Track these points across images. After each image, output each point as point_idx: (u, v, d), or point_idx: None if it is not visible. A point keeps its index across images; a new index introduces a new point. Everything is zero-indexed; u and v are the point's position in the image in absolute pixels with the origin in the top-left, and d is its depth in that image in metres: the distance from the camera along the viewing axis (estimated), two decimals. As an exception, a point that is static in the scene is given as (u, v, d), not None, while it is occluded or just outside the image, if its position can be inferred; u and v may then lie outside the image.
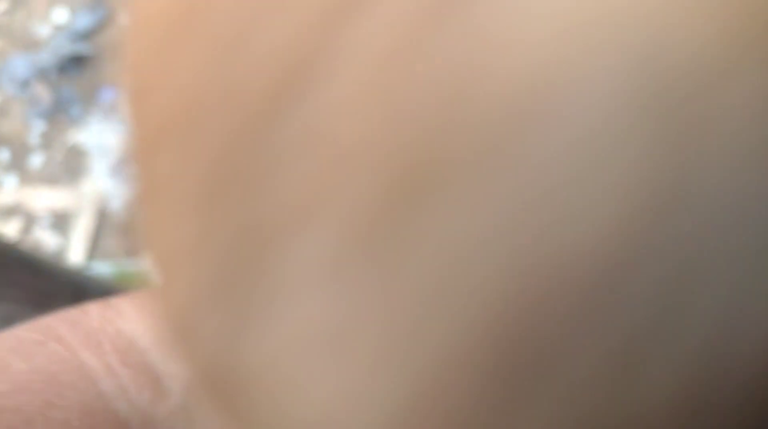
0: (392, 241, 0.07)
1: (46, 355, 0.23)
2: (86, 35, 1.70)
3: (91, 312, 0.25)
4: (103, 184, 1.45)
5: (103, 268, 1.37)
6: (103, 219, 1.49)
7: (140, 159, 0.10)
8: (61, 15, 1.76)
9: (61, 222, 1.51)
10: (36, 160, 1.58)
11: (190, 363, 0.10)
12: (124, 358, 0.23)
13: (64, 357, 0.23)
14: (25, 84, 1.67)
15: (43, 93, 1.65)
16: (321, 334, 0.08)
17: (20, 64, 1.68)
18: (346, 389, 0.08)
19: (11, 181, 1.58)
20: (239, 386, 0.09)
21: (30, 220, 1.53)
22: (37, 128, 1.61)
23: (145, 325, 0.24)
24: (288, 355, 0.08)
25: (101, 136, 1.43)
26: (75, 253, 1.46)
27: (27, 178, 1.58)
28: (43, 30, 1.75)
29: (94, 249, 1.47)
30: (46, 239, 1.52)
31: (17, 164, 1.59)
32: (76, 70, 1.66)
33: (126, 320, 0.25)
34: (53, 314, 0.25)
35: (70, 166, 1.57)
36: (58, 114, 1.63)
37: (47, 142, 1.60)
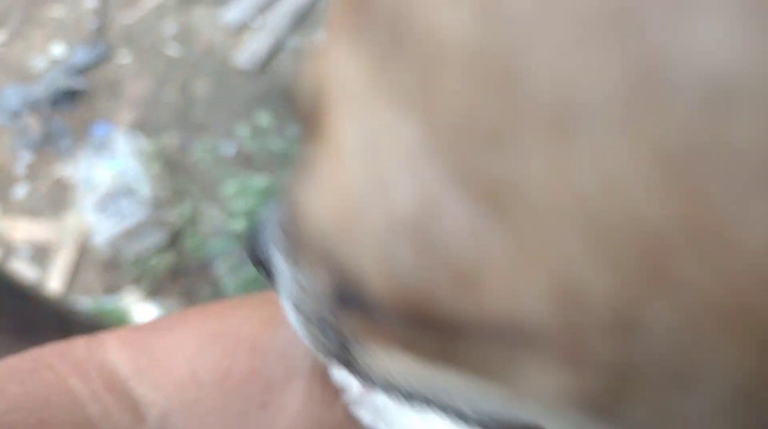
0: None
1: (38, 381, 0.24)
2: (82, 70, 1.71)
3: (78, 344, 0.26)
4: (86, 219, 1.43)
5: (82, 303, 1.35)
6: (83, 254, 1.48)
7: None
8: (58, 49, 1.79)
9: (40, 254, 1.49)
10: (20, 191, 1.58)
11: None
12: (107, 385, 0.25)
13: (55, 383, 0.24)
14: (16, 115, 1.67)
15: (33, 125, 1.65)
16: None
17: (12, 95, 1.68)
18: None
19: None
20: None
21: (9, 250, 1.51)
22: (24, 159, 1.61)
23: (125, 357, 0.26)
24: None
25: (89, 171, 1.42)
26: (53, 286, 1.44)
27: (9, 208, 1.57)
28: (39, 63, 1.77)
29: (73, 284, 1.45)
30: (24, 271, 1.49)
31: (0, 194, 1.59)
32: (68, 104, 1.67)
33: (109, 352, 0.26)
34: (43, 346, 0.26)
35: (54, 199, 1.56)
36: (47, 146, 1.63)
37: (33, 173, 1.60)
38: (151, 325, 0.28)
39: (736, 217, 0.08)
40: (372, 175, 0.12)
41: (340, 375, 0.27)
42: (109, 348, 0.26)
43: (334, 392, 0.27)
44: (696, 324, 0.09)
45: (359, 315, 0.14)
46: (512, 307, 0.11)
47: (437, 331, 0.12)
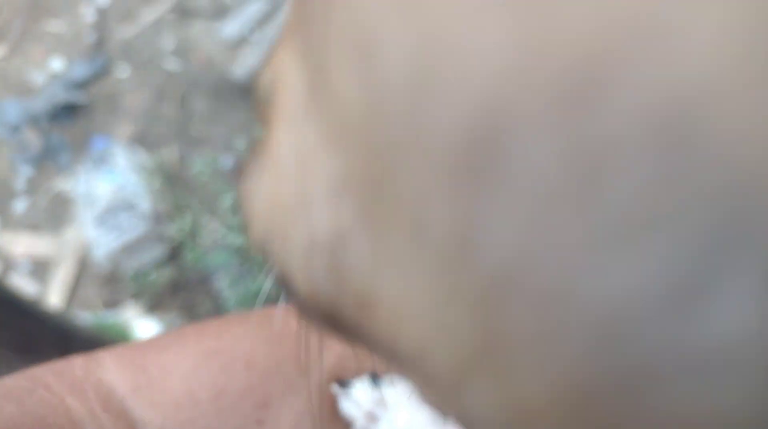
0: None
1: (36, 401, 0.24)
2: (81, 84, 1.72)
3: (76, 363, 0.27)
4: (86, 234, 1.44)
5: (82, 318, 1.35)
6: (83, 268, 1.48)
7: None
8: (57, 63, 1.79)
9: (40, 269, 1.50)
10: (20, 205, 1.58)
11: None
12: (105, 404, 0.25)
13: (52, 402, 0.24)
14: (15, 129, 1.67)
15: (32, 139, 1.66)
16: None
17: (12, 109, 1.69)
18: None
19: None
20: None
21: (8, 264, 1.51)
22: (23, 173, 1.62)
23: (123, 376, 0.26)
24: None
25: (88, 185, 1.42)
26: (53, 301, 1.44)
27: (9, 222, 1.57)
28: (38, 77, 1.78)
29: (73, 298, 1.45)
30: (24, 285, 1.49)
31: (0, 208, 1.59)
32: (68, 118, 1.67)
33: (106, 371, 0.26)
34: (40, 365, 0.26)
35: (54, 214, 1.56)
36: (46, 160, 1.63)
37: (33, 187, 1.60)
38: (149, 344, 0.29)
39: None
40: (300, 194, 0.13)
41: (346, 406, 0.28)
42: (106, 367, 0.26)
43: (332, 410, 0.27)
44: None
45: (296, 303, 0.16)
46: (397, 336, 0.12)
47: (345, 334, 0.15)
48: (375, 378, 0.29)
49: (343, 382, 0.29)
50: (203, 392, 0.26)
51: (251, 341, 0.27)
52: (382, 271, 0.11)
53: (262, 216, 0.15)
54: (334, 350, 0.28)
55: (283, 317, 0.29)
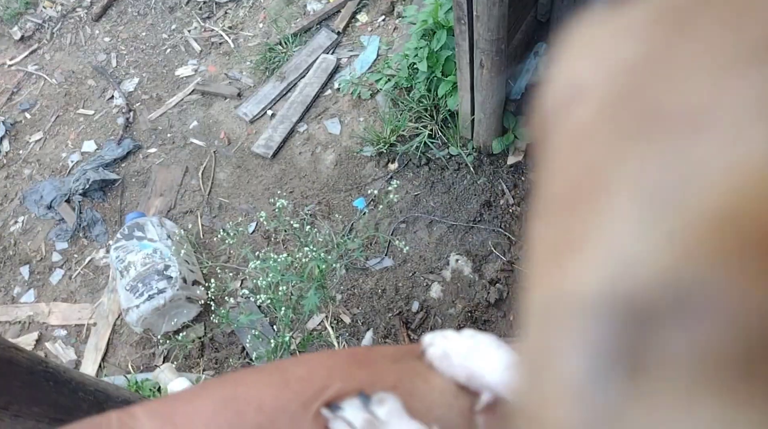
0: None
1: None
2: (112, 163, 1.81)
3: (111, 416, 0.31)
4: (119, 300, 1.46)
5: (116, 381, 1.37)
6: (116, 333, 1.51)
7: None
8: (89, 145, 1.90)
9: (75, 336, 1.54)
10: (55, 277, 1.64)
11: None
12: None
13: None
14: (51, 207, 1.76)
15: (67, 215, 1.73)
16: None
17: (48, 189, 1.78)
18: None
19: (29, 296, 1.63)
20: None
21: (45, 334, 1.56)
22: (59, 247, 1.69)
23: (152, 426, 0.30)
24: None
25: (121, 255, 1.46)
26: (87, 366, 1.48)
27: (45, 293, 1.63)
28: (72, 158, 1.88)
29: (106, 363, 1.48)
30: (60, 353, 1.52)
31: (37, 280, 1.65)
32: (100, 194, 1.76)
33: (137, 421, 0.30)
34: (80, 420, 0.30)
35: (88, 283, 1.62)
36: (80, 234, 1.70)
37: (67, 259, 1.67)
38: (175, 396, 0.32)
39: None
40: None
41: (336, 427, 0.30)
42: (137, 419, 0.30)
43: None
44: None
45: None
46: None
47: None
48: (364, 398, 0.31)
49: (333, 406, 0.31)
50: None
51: (262, 387, 0.31)
52: None
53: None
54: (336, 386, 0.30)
55: (291, 365, 0.33)
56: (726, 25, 0.11)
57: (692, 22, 0.11)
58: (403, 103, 1.67)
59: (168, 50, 2.14)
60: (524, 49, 1.68)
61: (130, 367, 1.46)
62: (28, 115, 2.06)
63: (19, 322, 1.59)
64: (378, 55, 1.88)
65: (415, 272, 1.45)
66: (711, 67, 0.11)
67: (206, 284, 1.46)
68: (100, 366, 1.48)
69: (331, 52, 1.94)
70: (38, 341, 1.56)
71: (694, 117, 0.10)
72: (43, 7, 2.33)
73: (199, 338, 1.43)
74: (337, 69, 1.89)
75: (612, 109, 0.12)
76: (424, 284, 1.44)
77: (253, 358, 1.37)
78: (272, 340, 1.30)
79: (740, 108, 0.10)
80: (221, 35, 2.11)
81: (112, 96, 2.04)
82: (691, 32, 0.11)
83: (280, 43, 2.00)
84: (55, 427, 0.79)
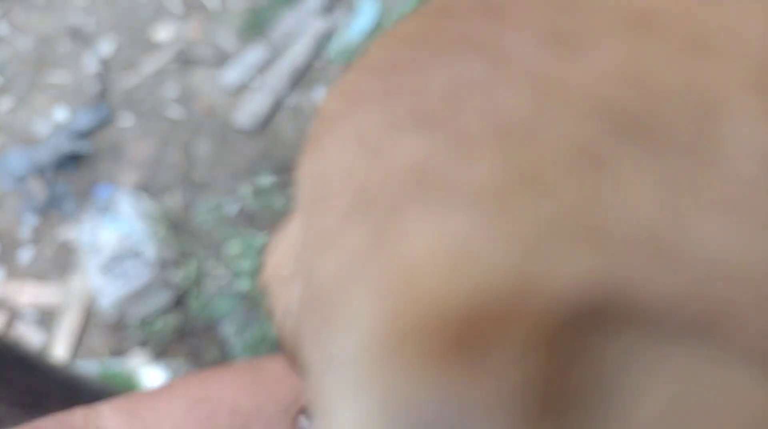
0: None
1: None
2: (85, 134, 1.75)
3: (76, 413, 0.29)
4: (91, 282, 1.44)
5: (88, 367, 1.35)
6: (89, 317, 1.48)
7: None
8: (61, 114, 1.83)
9: (46, 318, 1.50)
10: (25, 255, 1.59)
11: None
12: None
13: None
14: (20, 179, 1.69)
15: (37, 188, 1.68)
16: None
17: (17, 160, 1.71)
18: None
19: None
20: None
21: (15, 314, 1.52)
22: (28, 223, 1.63)
23: (119, 424, 0.29)
24: None
25: (93, 234, 1.43)
26: (59, 350, 1.44)
27: (14, 272, 1.58)
28: (43, 127, 1.81)
29: (79, 347, 1.45)
30: (29, 335, 1.49)
31: (5, 258, 1.60)
32: (72, 167, 1.70)
33: (104, 419, 0.29)
34: (44, 417, 0.28)
35: (60, 263, 1.57)
36: (51, 210, 1.65)
37: (38, 237, 1.62)
38: (144, 395, 0.31)
39: None
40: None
41: None
42: (104, 416, 0.29)
43: None
44: None
45: None
46: None
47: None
48: None
49: (310, 412, 0.31)
50: None
51: (235, 388, 0.30)
52: None
53: (272, 263, 0.16)
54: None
55: (267, 363, 0.32)
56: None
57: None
58: (398, 74, 1.59)
59: (146, 13, 2.07)
60: None
61: (103, 352, 1.42)
62: (-3, 80, 1.98)
63: (-13, 301, 1.55)
64: (376, 22, 1.80)
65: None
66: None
67: (184, 267, 1.43)
68: (72, 350, 1.44)
69: (323, 16, 1.87)
70: (9, 323, 1.51)
71: None
72: (14, -37, 2.25)
73: (176, 324, 1.40)
74: (329, 36, 1.80)
75: None
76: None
77: (233, 348, 1.34)
78: (253, 330, 1.28)
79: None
80: (204, -4, 2.04)
81: (87, 61, 1.95)
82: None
83: (268, 6, 1.91)
84: (26, 412, 0.79)
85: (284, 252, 0.15)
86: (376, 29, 1.78)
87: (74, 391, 0.94)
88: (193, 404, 0.29)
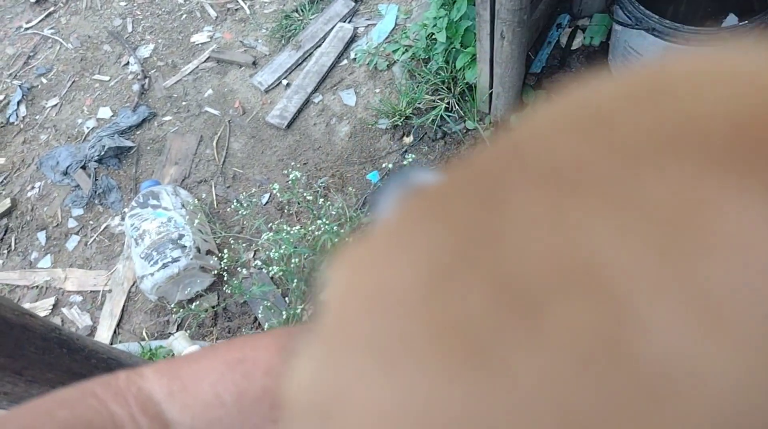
0: None
1: (85, 407, 0.28)
2: (127, 130, 1.81)
3: (120, 375, 0.31)
4: (133, 268, 1.48)
5: (130, 348, 1.38)
6: (131, 301, 1.53)
7: None
8: (105, 112, 1.90)
9: (90, 303, 1.56)
10: (71, 244, 1.66)
11: None
12: (143, 409, 0.29)
13: (98, 409, 0.28)
14: (67, 173, 1.76)
15: (83, 182, 1.74)
16: None
17: (64, 155, 1.79)
18: None
19: (45, 262, 1.65)
20: None
21: (61, 300, 1.58)
22: (75, 214, 1.70)
23: (159, 384, 0.30)
24: None
25: (135, 224, 1.47)
26: (102, 332, 1.50)
27: (61, 260, 1.65)
28: (87, 125, 1.88)
29: (121, 329, 1.50)
30: (75, 319, 1.54)
31: (53, 247, 1.67)
32: (115, 161, 1.77)
33: (145, 380, 0.31)
34: (92, 379, 0.31)
35: (103, 251, 1.64)
36: (96, 202, 1.71)
37: (83, 227, 1.68)
38: (183, 358, 0.33)
39: None
40: None
41: None
42: (145, 377, 0.31)
43: None
44: None
45: None
46: None
47: None
48: None
49: None
50: (228, 395, 0.29)
51: (269, 351, 0.31)
52: None
53: None
54: None
55: (299, 330, 0.32)
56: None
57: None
58: (420, 74, 1.64)
59: (184, 16, 2.13)
60: (547, 20, 1.64)
61: (144, 334, 1.47)
62: (44, 80, 2.06)
63: (37, 286, 1.62)
64: (396, 25, 1.84)
65: (428, 247, 1.44)
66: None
67: (219, 254, 1.46)
68: (114, 332, 1.50)
69: (348, 20, 1.91)
70: (55, 306, 1.58)
71: None
72: (59, -30, 2.32)
73: (213, 307, 1.44)
74: (353, 38, 1.86)
75: None
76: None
77: (266, 329, 1.37)
78: (284, 312, 1.31)
79: None
80: (237, 1, 2.09)
81: (128, 62, 2.03)
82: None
83: (297, 11, 1.97)
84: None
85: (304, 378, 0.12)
86: (394, 31, 1.82)
87: (115, 369, 0.97)
88: (230, 365, 0.31)
